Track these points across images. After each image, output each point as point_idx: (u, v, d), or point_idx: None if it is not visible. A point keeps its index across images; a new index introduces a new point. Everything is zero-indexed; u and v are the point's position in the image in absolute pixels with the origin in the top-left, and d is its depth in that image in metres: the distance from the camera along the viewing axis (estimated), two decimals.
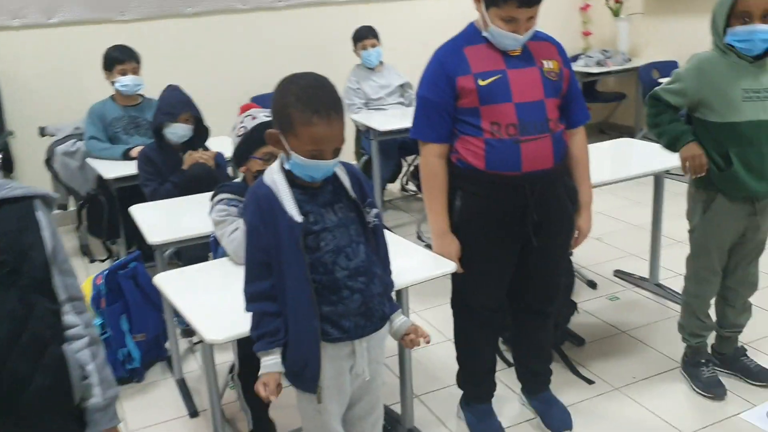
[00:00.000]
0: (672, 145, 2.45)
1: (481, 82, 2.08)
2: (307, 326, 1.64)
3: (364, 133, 4.61)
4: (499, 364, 2.71)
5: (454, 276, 2.30)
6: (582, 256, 3.90)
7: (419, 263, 2.26)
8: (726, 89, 2.33)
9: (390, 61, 4.90)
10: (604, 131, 6.64)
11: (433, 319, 3.25)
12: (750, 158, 2.36)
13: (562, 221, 2.27)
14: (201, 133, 3.40)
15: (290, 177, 1.65)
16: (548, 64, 2.14)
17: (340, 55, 4.86)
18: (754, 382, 2.66)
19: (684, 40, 5.73)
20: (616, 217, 4.54)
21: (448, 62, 2.13)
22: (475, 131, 2.11)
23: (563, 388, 2.71)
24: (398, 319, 1.82)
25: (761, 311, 3.14)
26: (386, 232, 1.89)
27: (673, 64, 5.65)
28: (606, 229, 4.29)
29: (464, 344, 2.45)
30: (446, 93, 2.12)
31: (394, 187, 5.42)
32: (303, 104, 1.56)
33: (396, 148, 4.55)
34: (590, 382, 2.77)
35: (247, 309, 1.68)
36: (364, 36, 4.75)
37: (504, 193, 2.14)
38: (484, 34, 2.13)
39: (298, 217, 1.60)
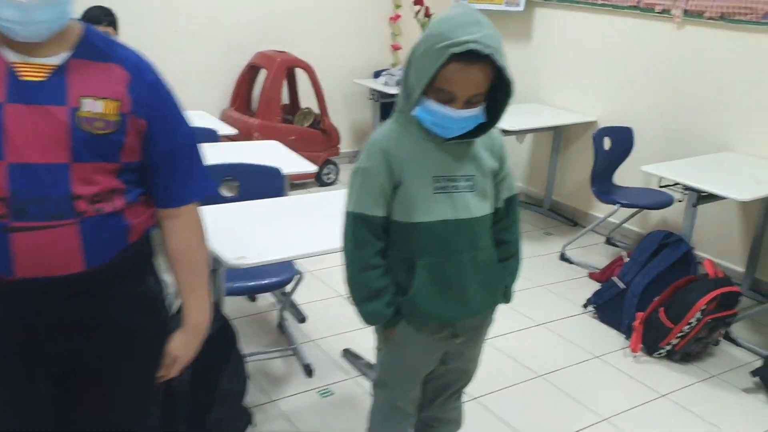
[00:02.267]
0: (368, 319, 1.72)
1: None
2: None
3: None
4: None
5: None
6: (316, 325, 3.16)
7: None
8: (413, 177, 1.61)
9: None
10: None
11: None
12: (445, 271, 1.66)
13: (122, 353, 1.44)
14: None
15: None
16: (92, 105, 1.28)
17: None
18: None
19: None
20: None
21: None
22: None
23: None
24: None
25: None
26: None
27: None
28: None
29: None
30: None
31: None
32: None
33: None
34: None
35: None
36: (96, 20, 3.75)
37: None
38: None
39: None
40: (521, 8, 4.75)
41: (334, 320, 3.18)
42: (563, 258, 4.09)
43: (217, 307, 2.27)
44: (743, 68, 3.70)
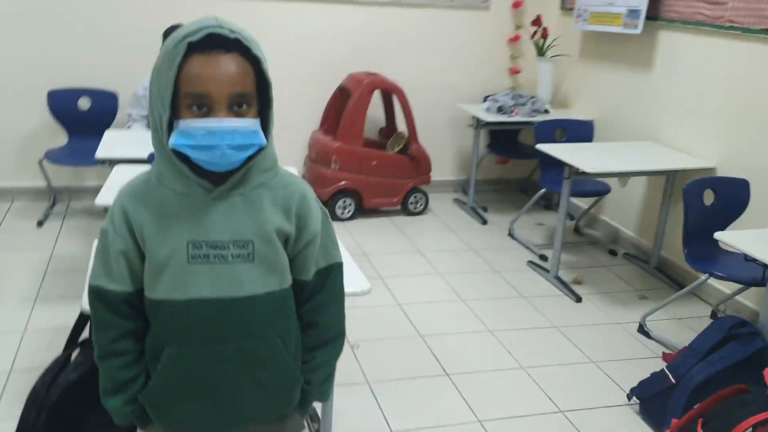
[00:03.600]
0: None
1: None
2: None
3: None
4: None
5: None
6: None
7: None
8: (160, 242, 1.27)
9: None
10: (526, 191, 5.46)
11: None
12: (199, 365, 1.31)
13: None
14: None
15: None
16: None
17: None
18: None
19: (611, 96, 4.51)
20: None
21: None
22: None
23: None
24: None
25: None
26: None
27: (585, 125, 4.45)
28: None
29: None
30: None
31: None
32: None
33: None
34: None
35: None
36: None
37: None
38: None
39: None
40: (639, 30, 4.06)
41: None
42: (641, 330, 3.39)
43: (88, 344, 2.09)
44: None
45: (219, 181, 1.26)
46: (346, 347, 3.06)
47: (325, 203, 4.58)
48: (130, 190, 1.31)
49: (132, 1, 4.43)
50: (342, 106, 4.61)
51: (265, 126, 1.26)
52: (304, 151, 4.94)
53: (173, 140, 1.21)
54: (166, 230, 1.27)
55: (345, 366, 2.93)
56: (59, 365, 2.06)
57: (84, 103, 4.40)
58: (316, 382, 1.43)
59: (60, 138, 4.41)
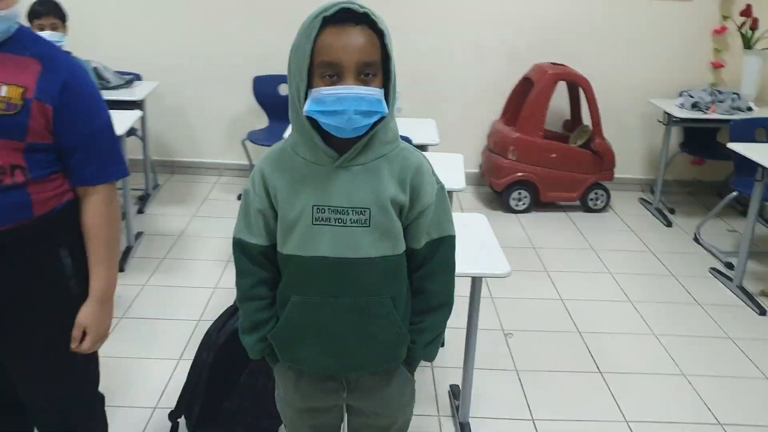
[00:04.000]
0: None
1: None
2: None
3: None
4: None
5: None
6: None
7: None
8: (290, 205, 1.42)
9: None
10: (723, 195, 5.04)
11: None
12: (319, 314, 1.45)
13: (18, 319, 1.60)
14: None
15: None
16: None
17: None
18: None
19: None
20: None
21: None
22: None
23: None
24: None
25: None
26: None
27: None
28: None
29: None
30: None
31: None
32: None
33: None
34: None
35: None
36: (40, 13, 3.56)
37: None
38: None
39: None
40: None
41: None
42: None
43: None
44: None
45: (344, 149, 1.39)
46: (498, 335, 3.12)
47: (499, 194, 4.64)
48: (269, 157, 1.48)
49: None
50: (525, 97, 4.60)
51: (386, 97, 1.36)
52: (484, 141, 5.00)
53: (306, 107, 1.34)
54: (296, 194, 1.42)
55: (495, 352, 2.98)
56: (229, 314, 2.34)
57: (283, 89, 4.81)
58: (422, 342, 1.52)
59: (262, 120, 4.86)
